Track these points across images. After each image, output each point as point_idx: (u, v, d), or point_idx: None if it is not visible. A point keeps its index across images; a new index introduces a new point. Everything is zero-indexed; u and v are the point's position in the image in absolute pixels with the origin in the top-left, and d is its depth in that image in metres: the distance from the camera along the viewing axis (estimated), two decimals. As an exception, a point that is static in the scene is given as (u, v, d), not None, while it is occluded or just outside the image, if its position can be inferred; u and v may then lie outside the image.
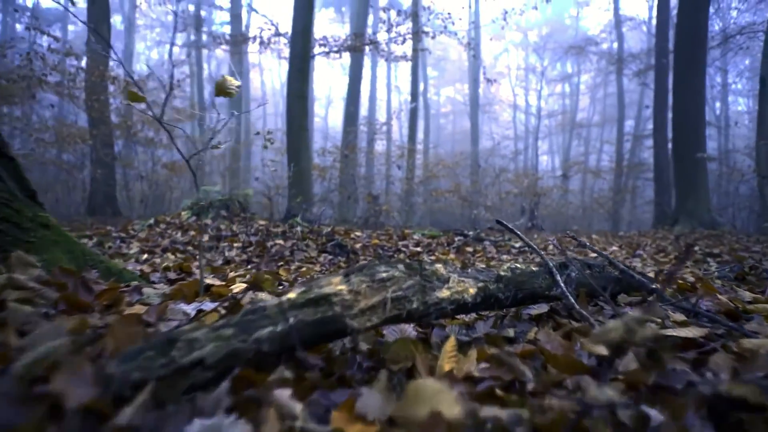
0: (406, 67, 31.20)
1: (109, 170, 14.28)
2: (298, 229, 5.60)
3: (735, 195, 18.58)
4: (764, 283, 3.04)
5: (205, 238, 5.43)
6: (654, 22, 21.10)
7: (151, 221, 6.30)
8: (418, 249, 5.61)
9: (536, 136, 30.43)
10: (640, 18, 30.54)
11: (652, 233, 11.82)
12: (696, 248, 6.76)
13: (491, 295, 1.53)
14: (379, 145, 25.78)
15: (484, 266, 4.68)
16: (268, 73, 42.89)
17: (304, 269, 4.52)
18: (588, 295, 1.92)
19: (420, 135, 35.47)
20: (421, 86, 33.90)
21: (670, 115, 18.25)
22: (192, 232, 5.78)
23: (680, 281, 2.62)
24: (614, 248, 6.52)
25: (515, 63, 40.64)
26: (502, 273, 1.63)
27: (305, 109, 11.95)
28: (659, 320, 1.60)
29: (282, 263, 4.81)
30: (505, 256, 5.48)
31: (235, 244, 5.32)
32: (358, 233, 6.35)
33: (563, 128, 35.70)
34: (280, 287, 2.63)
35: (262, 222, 6.41)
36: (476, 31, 29.44)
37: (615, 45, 28.40)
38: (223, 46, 17.41)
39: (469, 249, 5.88)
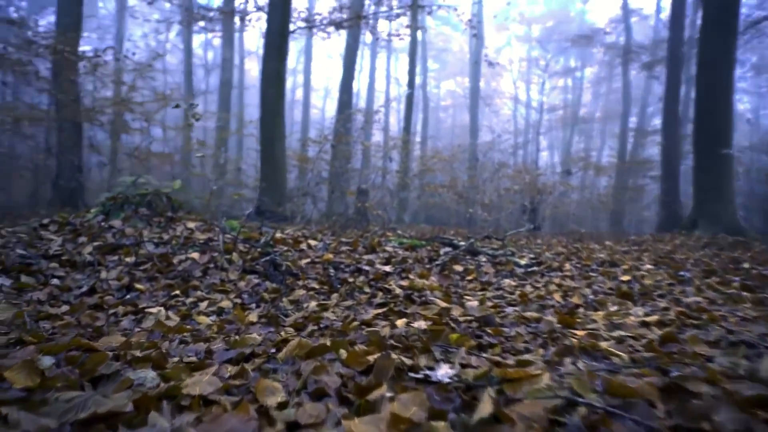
0: (405, 59, 29.43)
1: (77, 157, 12.59)
2: (220, 237, 3.92)
3: (750, 196, 16.92)
4: None
5: (87, 249, 3.76)
6: (663, 14, 19.42)
7: (44, 221, 4.63)
8: (387, 269, 3.94)
9: (538, 130, 28.65)
10: (646, 12, 28.79)
11: (669, 238, 10.13)
12: (746, 265, 5.11)
13: None
14: (377, 137, 24.06)
15: (474, 302, 2.96)
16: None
17: (201, 306, 2.88)
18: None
19: (418, 128, 33.82)
20: (420, 79, 32.25)
21: (683, 108, 16.58)
22: (83, 238, 4.12)
23: None
24: (648, 266, 4.85)
25: (518, 56, 38.71)
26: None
27: (281, 92, 10.26)
28: None
29: (177, 293, 3.16)
30: (507, 281, 3.83)
31: (127, 259, 3.66)
32: (313, 241, 4.68)
33: (564, 123, 33.95)
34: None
35: (191, 224, 4.76)
36: (479, 9, 27.49)
37: (621, 39, 26.56)
38: (205, 25, 15.66)
39: (458, 268, 4.22)
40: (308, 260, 3.96)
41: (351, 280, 3.58)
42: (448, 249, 4.92)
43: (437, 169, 16.95)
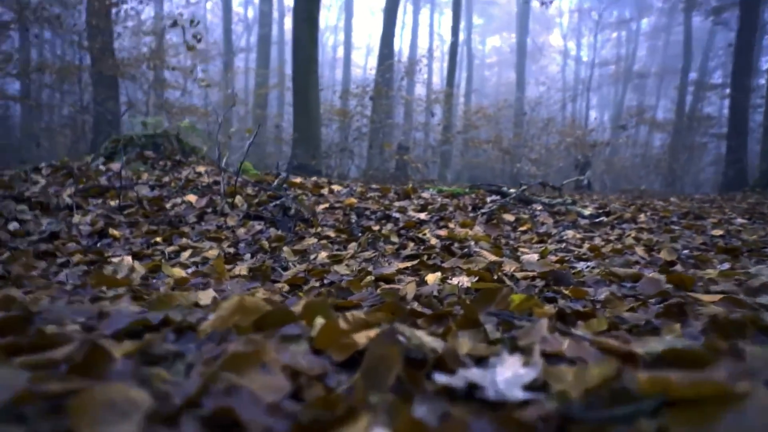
0: (449, 14, 27.86)
1: (112, 111, 12.19)
2: (222, 177, 3.25)
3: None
4: None
5: (67, 192, 3.16)
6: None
7: (40, 165, 4.08)
8: (422, 216, 3.20)
9: (588, 86, 26.87)
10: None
11: (740, 198, 9.00)
12: None
13: None
14: (419, 90, 22.89)
15: (533, 255, 2.14)
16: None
17: (183, 256, 2.24)
18: None
19: (462, 86, 32.29)
20: (464, 35, 30.61)
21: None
22: (71, 181, 3.53)
23: None
24: (740, 220, 3.96)
25: (567, 7, 36.37)
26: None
27: (314, 36, 9.44)
28: None
29: (158, 240, 2.52)
30: (570, 232, 3.04)
31: (111, 202, 3.04)
32: (337, 187, 3.98)
33: (617, 79, 31.85)
34: None
35: (201, 168, 4.12)
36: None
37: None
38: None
39: (509, 217, 3.44)
40: (326, 205, 3.27)
41: (376, 228, 2.86)
42: (495, 197, 4.13)
43: (481, 125, 15.89)
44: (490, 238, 2.72)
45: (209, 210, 3.00)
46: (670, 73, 30.45)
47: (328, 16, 40.27)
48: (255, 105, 19.33)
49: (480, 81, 39.91)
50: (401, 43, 33.54)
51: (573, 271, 1.83)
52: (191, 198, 3.12)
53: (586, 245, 2.65)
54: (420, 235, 2.68)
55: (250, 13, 32.62)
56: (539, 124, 17.05)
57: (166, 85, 14.57)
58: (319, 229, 2.79)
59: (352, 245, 2.47)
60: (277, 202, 3.07)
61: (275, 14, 26.39)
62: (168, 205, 3.05)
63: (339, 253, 2.33)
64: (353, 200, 3.27)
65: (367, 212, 3.22)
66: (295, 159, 9.49)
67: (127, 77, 12.65)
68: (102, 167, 3.96)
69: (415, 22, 33.51)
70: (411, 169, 10.10)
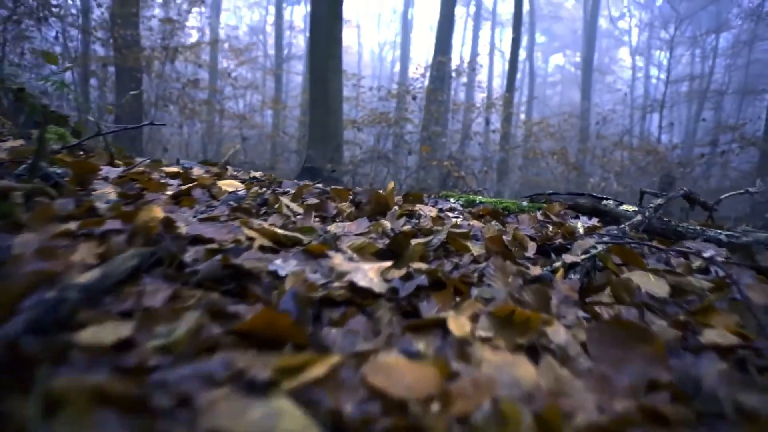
0: (510, 30, 25.37)
1: (135, 106, 10.52)
2: None
3: None
4: None
5: None
6: None
7: None
8: (370, 275, 0.93)
9: (661, 104, 23.62)
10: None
11: None
12: None
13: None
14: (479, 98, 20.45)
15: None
16: (367, 36, 38.59)
17: None
18: None
19: (522, 103, 29.48)
20: (523, 54, 27.96)
21: None
22: None
23: None
24: None
25: (636, 22, 33.08)
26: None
27: (336, 11, 7.31)
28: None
29: None
30: None
31: None
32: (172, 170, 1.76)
33: (691, 98, 28.32)
34: None
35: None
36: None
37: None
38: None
39: (649, 284, 1.13)
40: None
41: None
42: (586, 220, 1.77)
43: (544, 136, 13.28)
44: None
45: None
46: (751, 93, 26.81)
47: (387, 31, 38.67)
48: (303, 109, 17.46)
49: (541, 100, 36.93)
50: (461, 57, 31.22)
51: None
52: None
53: None
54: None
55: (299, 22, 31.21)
56: (612, 138, 14.34)
57: (196, 84, 12.87)
58: None
59: None
60: None
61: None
62: None
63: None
64: (158, 212, 0.99)
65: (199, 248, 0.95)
66: (309, 161, 7.35)
67: (147, 72, 10.92)
68: None
69: (476, 36, 31.16)
70: (453, 180, 7.77)
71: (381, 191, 1.59)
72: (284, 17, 23.40)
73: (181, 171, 1.98)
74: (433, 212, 1.57)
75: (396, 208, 1.52)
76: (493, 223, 1.66)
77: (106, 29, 10.56)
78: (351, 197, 1.67)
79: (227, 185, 1.66)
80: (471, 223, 1.56)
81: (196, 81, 12.85)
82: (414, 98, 10.27)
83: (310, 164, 7.35)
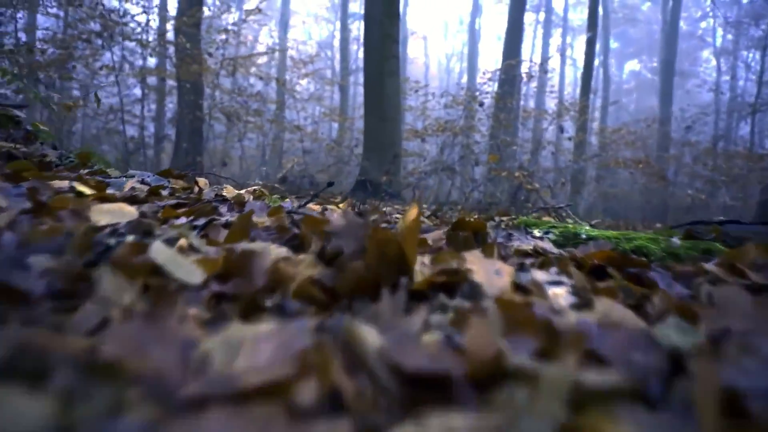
0: (582, 39, 23.60)
1: (196, 122, 10.21)
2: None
3: None
4: None
5: None
6: None
7: None
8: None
9: (755, 108, 21.18)
10: None
11: None
12: None
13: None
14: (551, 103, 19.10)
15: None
16: (434, 47, 37.81)
17: None
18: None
19: (596, 113, 27.47)
20: (597, 60, 26.00)
21: None
22: None
23: None
24: None
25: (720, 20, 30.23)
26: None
27: (392, 10, 6.51)
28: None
29: None
30: None
31: None
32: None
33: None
34: None
35: None
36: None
37: None
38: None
39: None
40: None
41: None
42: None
43: (623, 143, 11.86)
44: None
45: None
46: None
47: (454, 42, 37.72)
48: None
49: (616, 108, 34.59)
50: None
51: None
52: None
53: None
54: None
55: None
56: (700, 146, 12.70)
57: (258, 97, 12.52)
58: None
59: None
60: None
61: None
62: None
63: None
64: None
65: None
66: (363, 174, 6.56)
67: (208, 84, 10.55)
68: None
69: (545, 44, 29.62)
70: (526, 193, 6.73)
71: (412, 216, 0.70)
72: (351, 31, 23.04)
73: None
74: (505, 281, 0.65)
75: (422, 266, 0.65)
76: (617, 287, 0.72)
77: (165, 45, 10.33)
78: (324, 240, 0.78)
79: (111, 210, 0.87)
80: (593, 309, 0.64)
81: (258, 94, 12.51)
82: (481, 105, 9.29)
83: (365, 176, 6.56)
